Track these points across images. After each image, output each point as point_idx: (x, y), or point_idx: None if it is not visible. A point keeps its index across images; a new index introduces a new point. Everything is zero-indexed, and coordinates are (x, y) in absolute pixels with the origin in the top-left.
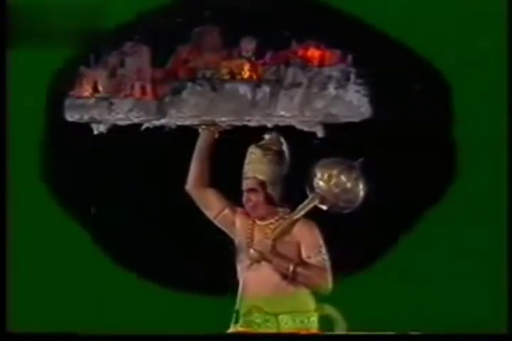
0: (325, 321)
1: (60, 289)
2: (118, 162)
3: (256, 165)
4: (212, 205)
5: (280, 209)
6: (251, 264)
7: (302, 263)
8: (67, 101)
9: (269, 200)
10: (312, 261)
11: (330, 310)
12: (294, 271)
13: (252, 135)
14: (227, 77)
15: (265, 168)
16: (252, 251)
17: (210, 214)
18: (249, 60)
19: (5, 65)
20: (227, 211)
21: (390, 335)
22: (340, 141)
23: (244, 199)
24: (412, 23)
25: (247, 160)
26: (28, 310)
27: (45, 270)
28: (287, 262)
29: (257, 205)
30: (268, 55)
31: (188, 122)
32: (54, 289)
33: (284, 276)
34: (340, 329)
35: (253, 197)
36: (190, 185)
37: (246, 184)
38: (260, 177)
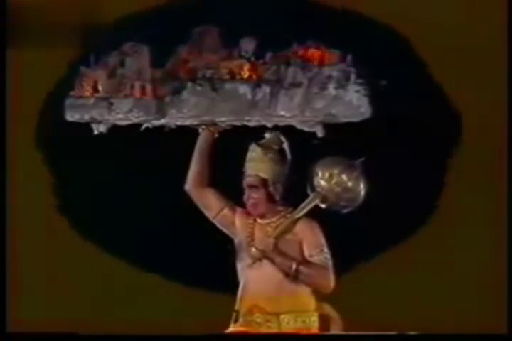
0: (323, 320)
1: (60, 289)
2: (118, 162)
3: (257, 163)
4: (211, 205)
5: (281, 208)
6: (252, 263)
7: (304, 261)
8: (67, 101)
9: (270, 198)
10: (315, 259)
11: (328, 309)
12: (296, 270)
13: (252, 135)
14: (227, 77)
15: (267, 167)
16: (253, 249)
17: (209, 214)
18: (249, 60)
19: (5, 65)
20: (226, 211)
21: (390, 335)
22: (340, 141)
23: (245, 196)
24: (412, 22)
25: (248, 158)
26: (27, 310)
27: (44, 270)
28: (290, 261)
29: (257, 203)
30: (268, 55)
31: (188, 122)
32: (54, 289)
33: (286, 275)
34: (338, 328)
35: (254, 194)
36: (190, 184)
37: (247, 181)
38: (262, 175)
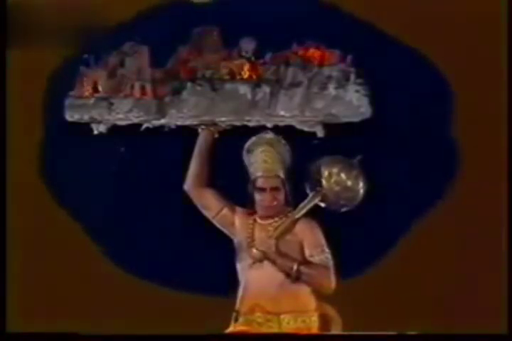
0: (323, 320)
1: (59, 289)
2: (118, 162)
3: (276, 164)
4: (210, 205)
5: (282, 208)
6: (253, 263)
7: (305, 262)
8: (67, 101)
9: (286, 199)
10: (315, 259)
11: (328, 309)
12: (297, 270)
13: (252, 135)
14: (227, 77)
15: (283, 167)
16: (255, 250)
17: (208, 214)
18: (249, 60)
19: (5, 64)
20: (225, 211)
21: (390, 335)
22: (340, 141)
23: (264, 197)
24: (412, 22)
25: (260, 158)
26: (27, 310)
27: (44, 270)
28: (290, 262)
29: (277, 204)
30: (268, 55)
31: (188, 122)
32: (53, 289)
33: (287, 276)
34: (338, 328)
35: (278, 195)
36: (189, 184)
37: (266, 182)
38: (282, 175)
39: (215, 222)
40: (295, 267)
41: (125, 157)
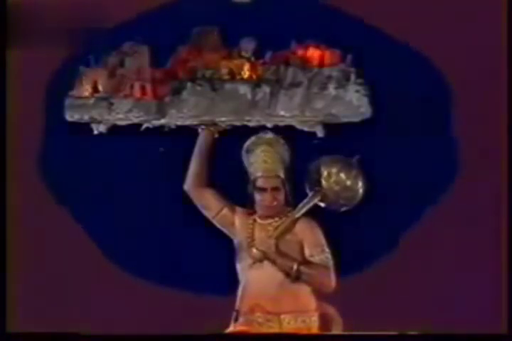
0: (324, 320)
1: (59, 289)
2: (118, 162)
3: (276, 164)
4: (210, 205)
5: (282, 208)
6: (253, 263)
7: (305, 261)
8: (67, 101)
9: (287, 199)
10: (315, 259)
11: (328, 308)
12: (297, 270)
13: (252, 135)
14: (227, 77)
15: (283, 167)
16: (255, 250)
17: (208, 214)
18: (249, 60)
19: (5, 64)
20: (225, 211)
21: (390, 335)
22: (340, 141)
23: (264, 197)
24: (412, 21)
25: (260, 158)
26: (27, 310)
27: (44, 270)
28: (291, 261)
29: (278, 204)
30: (268, 55)
31: (188, 122)
32: (53, 289)
33: (287, 275)
34: (338, 328)
35: (278, 196)
36: (189, 184)
37: (266, 182)
38: (282, 175)
39: (215, 222)
40: (295, 267)
41: (125, 157)
